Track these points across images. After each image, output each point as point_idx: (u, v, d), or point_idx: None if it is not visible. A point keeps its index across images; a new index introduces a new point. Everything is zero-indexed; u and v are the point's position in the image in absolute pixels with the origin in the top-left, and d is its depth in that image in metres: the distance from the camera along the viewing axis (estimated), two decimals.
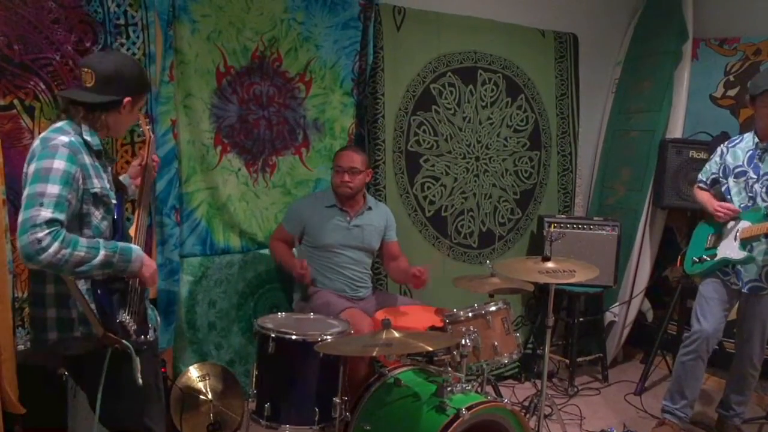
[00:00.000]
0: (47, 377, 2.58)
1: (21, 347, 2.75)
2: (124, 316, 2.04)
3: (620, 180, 4.68)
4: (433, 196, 4.07)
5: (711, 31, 4.47)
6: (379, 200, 3.73)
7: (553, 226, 4.20)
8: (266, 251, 3.59)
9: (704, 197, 3.49)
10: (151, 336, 2.16)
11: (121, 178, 2.43)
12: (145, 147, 2.46)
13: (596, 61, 4.76)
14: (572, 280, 2.90)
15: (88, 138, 2.05)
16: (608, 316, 4.54)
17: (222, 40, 3.31)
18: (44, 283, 2.03)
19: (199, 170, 3.36)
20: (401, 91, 3.87)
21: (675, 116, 4.41)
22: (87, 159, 2.02)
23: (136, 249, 2.05)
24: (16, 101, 2.77)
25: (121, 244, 2.02)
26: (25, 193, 1.89)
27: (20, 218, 1.84)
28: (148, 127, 2.28)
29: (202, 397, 3.19)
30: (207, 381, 3.25)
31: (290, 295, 3.58)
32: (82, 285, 1.98)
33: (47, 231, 1.81)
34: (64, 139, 1.98)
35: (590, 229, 4.29)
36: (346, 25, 3.65)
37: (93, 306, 1.97)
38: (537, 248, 4.30)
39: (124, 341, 1.99)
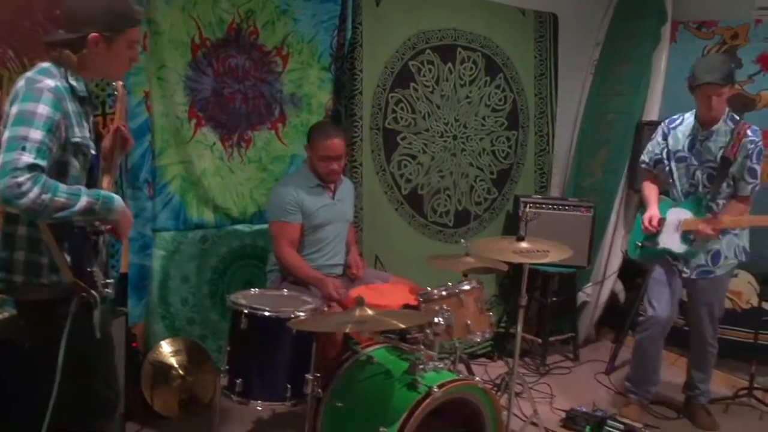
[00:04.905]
0: (16, 351, 2.54)
1: None
2: (95, 267, 2.01)
3: (597, 162, 4.70)
4: (410, 174, 4.05)
5: (690, 14, 4.46)
6: (356, 177, 3.72)
7: (528, 206, 4.19)
8: (241, 227, 3.57)
9: (648, 194, 3.47)
10: (111, 291, 2.10)
11: None
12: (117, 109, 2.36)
13: (575, 42, 4.75)
14: (545, 260, 2.91)
15: (73, 83, 1.98)
16: (581, 296, 4.58)
17: (197, 11, 3.25)
18: (17, 224, 1.98)
19: (173, 144, 3.30)
20: (379, 67, 3.83)
21: (652, 99, 4.41)
22: (71, 106, 1.95)
23: (117, 198, 2.01)
24: None
25: (103, 191, 1.98)
26: (6, 135, 1.82)
27: (0, 160, 1.77)
28: (121, 83, 2.19)
29: (173, 372, 3.18)
30: (179, 356, 3.24)
31: (264, 272, 3.56)
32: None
33: (28, 176, 1.75)
34: (50, 83, 1.90)
35: (565, 209, 4.31)
36: None
37: (65, 253, 1.94)
38: (512, 228, 4.30)
39: (91, 291, 1.96)
